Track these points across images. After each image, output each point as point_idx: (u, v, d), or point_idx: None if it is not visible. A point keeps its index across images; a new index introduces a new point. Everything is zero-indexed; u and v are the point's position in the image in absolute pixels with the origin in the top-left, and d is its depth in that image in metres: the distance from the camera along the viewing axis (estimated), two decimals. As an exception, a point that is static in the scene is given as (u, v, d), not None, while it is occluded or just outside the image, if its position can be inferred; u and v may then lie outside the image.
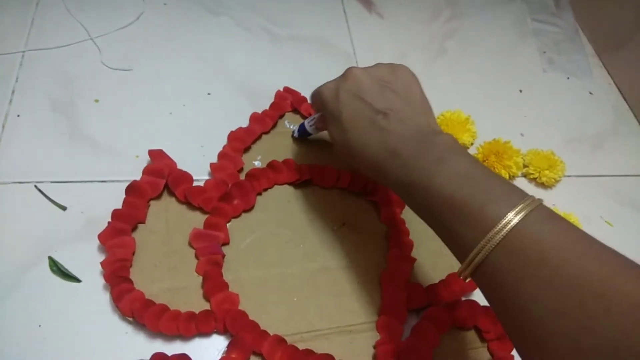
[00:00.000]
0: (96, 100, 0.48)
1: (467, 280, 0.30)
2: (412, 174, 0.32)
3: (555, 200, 0.50)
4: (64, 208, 0.42)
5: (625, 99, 0.62)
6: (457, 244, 0.30)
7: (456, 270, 0.42)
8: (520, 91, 0.59)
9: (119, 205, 0.40)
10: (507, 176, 0.50)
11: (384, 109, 0.35)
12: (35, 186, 0.42)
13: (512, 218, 0.26)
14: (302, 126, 0.46)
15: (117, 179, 0.44)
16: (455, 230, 0.29)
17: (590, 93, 0.61)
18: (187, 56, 0.54)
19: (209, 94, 0.51)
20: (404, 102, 0.35)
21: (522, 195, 0.28)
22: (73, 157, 0.45)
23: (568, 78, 0.62)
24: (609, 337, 0.22)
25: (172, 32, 0.55)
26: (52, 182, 0.43)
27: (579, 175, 0.53)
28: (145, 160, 0.44)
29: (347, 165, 0.41)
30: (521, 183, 0.51)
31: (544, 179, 0.50)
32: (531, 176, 0.51)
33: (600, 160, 0.55)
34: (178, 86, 0.51)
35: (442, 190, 0.30)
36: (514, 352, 0.39)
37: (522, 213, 0.26)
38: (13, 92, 0.47)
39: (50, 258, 0.39)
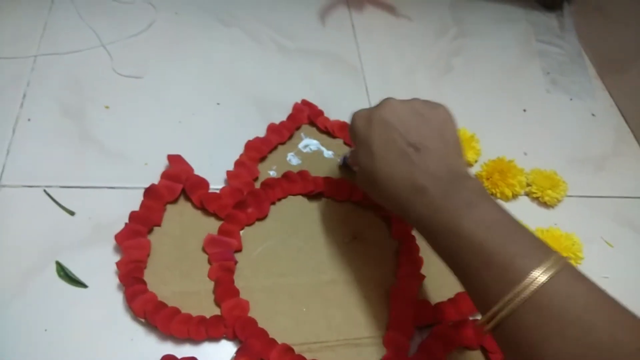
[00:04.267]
0: (106, 107, 0.49)
1: (486, 333, 0.29)
2: (436, 214, 0.31)
3: (556, 219, 0.51)
4: (72, 213, 0.42)
5: (626, 121, 0.63)
6: (481, 293, 0.30)
7: (462, 291, 0.43)
8: (524, 110, 0.61)
9: (127, 212, 0.41)
10: (510, 194, 0.51)
11: (417, 142, 0.34)
12: (45, 190, 0.43)
13: (542, 274, 0.26)
14: (345, 157, 0.47)
15: (125, 185, 0.44)
16: (481, 278, 0.29)
17: (593, 115, 0.63)
18: (197, 65, 0.55)
19: (218, 103, 0.52)
20: (438, 140, 0.34)
21: (550, 252, 0.28)
22: (82, 162, 0.45)
23: (571, 99, 0.63)
24: None
25: (183, 41, 0.56)
26: (61, 186, 0.43)
27: (580, 196, 0.54)
28: (153, 167, 0.45)
29: (368, 196, 0.41)
30: (524, 202, 0.52)
31: (546, 199, 0.51)
32: (534, 195, 0.52)
33: (601, 181, 0.56)
34: (188, 95, 0.52)
35: (472, 236, 0.29)
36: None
37: (552, 270, 0.26)
38: (24, 95, 0.48)
39: (57, 263, 0.39)
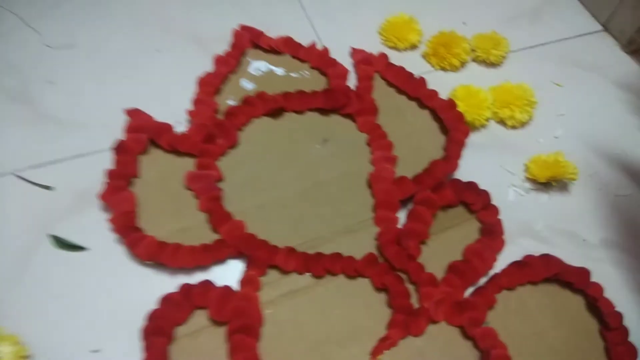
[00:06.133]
0: (50, 82, 0.48)
1: None
2: None
3: (506, 75, 0.53)
4: (49, 188, 0.42)
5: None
6: None
7: (435, 159, 0.45)
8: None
9: (101, 174, 0.42)
10: (458, 64, 0.53)
11: None
12: (16, 174, 0.43)
13: None
14: None
15: (91, 150, 0.45)
16: None
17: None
18: (127, 18, 0.54)
19: (158, 50, 0.52)
20: None
21: None
22: (44, 140, 0.45)
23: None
24: None
25: (106, -2, 0.55)
26: (30, 167, 0.44)
27: (523, 48, 0.56)
28: (114, 127, 0.45)
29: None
30: (472, 68, 0.54)
31: (492, 58, 0.54)
32: (479, 58, 0.54)
33: (540, 30, 0.58)
34: (125, 49, 0.51)
35: None
36: (501, 216, 0.44)
37: None
38: (-34, 91, 0.47)
39: (51, 236, 0.40)
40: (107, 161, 0.43)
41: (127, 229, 0.39)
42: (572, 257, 0.42)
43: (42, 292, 0.38)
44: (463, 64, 0.54)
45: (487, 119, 0.50)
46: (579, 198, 0.47)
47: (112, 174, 0.42)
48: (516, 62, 0.55)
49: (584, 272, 0.41)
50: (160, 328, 0.36)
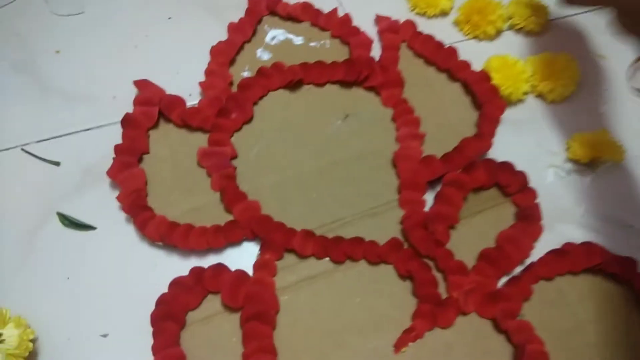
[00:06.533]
0: (57, 52, 0.46)
1: None
2: None
3: (546, 45, 0.49)
4: (57, 164, 0.41)
5: None
6: None
7: (466, 136, 0.42)
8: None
9: (111, 149, 0.40)
10: (493, 32, 0.48)
11: None
12: (22, 149, 0.41)
13: None
14: None
15: (100, 123, 0.43)
16: None
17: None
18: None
19: (169, 18, 0.49)
20: None
21: None
22: (50, 112, 0.43)
23: None
24: None
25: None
26: (37, 141, 0.42)
27: (565, 16, 0.52)
28: (123, 99, 0.43)
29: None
30: (508, 37, 0.50)
31: (530, 26, 0.49)
32: (517, 26, 0.49)
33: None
34: (135, 17, 0.49)
35: None
36: (538, 200, 0.40)
37: None
38: (-31, 62, 0.45)
39: (58, 214, 0.39)
40: (116, 136, 0.40)
41: (137, 207, 0.37)
42: (616, 245, 0.38)
43: (48, 273, 0.37)
44: (499, 32, 0.49)
45: (525, 93, 0.46)
46: (625, 180, 0.43)
47: (120, 150, 0.39)
48: (557, 31, 0.50)
49: (630, 262, 0.37)
50: (170, 313, 0.34)
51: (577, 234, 0.40)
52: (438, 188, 0.41)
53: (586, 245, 0.38)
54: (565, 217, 0.41)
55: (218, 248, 0.37)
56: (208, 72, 0.44)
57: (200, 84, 0.43)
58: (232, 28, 0.46)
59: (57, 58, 0.46)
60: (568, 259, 0.38)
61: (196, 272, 0.36)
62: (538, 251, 0.38)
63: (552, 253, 0.38)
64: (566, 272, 0.38)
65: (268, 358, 0.33)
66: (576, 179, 0.43)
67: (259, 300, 0.35)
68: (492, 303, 0.36)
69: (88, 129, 0.42)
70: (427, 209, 0.40)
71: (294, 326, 0.35)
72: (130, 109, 0.42)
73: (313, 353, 0.34)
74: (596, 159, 0.42)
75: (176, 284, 0.35)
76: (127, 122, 0.40)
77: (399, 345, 0.35)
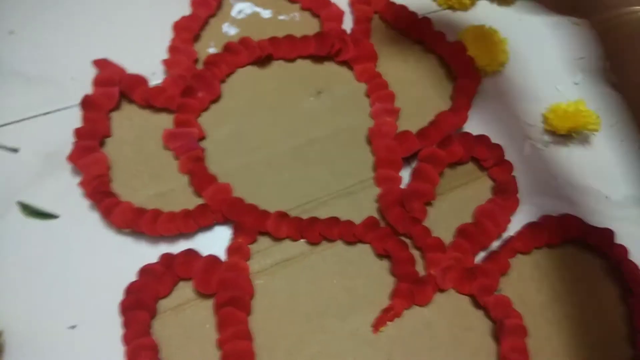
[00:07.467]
0: (11, 32, 0.43)
1: None
2: None
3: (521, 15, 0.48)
4: (15, 150, 0.38)
5: None
6: None
7: (442, 110, 0.41)
8: None
9: (72, 133, 0.37)
10: (468, 1, 0.47)
11: None
12: (-24, 136, 0.38)
13: None
14: None
15: (60, 106, 0.40)
16: None
17: None
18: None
19: None
20: None
21: None
22: (6, 96, 0.40)
23: None
24: None
25: None
26: (-7, 127, 0.39)
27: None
28: (82, 80, 0.40)
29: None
30: (484, 5, 0.48)
31: None
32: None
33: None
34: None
35: None
36: (515, 173, 0.40)
37: None
38: None
39: (19, 203, 0.36)
40: (76, 119, 0.38)
41: (100, 194, 0.35)
42: (593, 216, 0.38)
43: (11, 264, 0.35)
44: (473, 2, 0.48)
45: (502, 65, 0.45)
46: (601, 151, 0.43)
47: (80, 133, 0.37)
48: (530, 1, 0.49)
49: (607, 233, 0.37)
50: (140, 302, 0.33)
51: (555, 206, 0.39)
52: (414, 164, 0.40)
53: (564, 217, 0.38)
54: (542, 190, 0.40)
55: (188, 233, 0.36)
56: (171, 49, 0.41)
57: (164, 61, 0.41)
58: (196, 2, 0.44)
59: (11, 39, 0.43)
60: (545, 232, 0.37)
61: (166, 258, 0.34)
62: (515, 225, 0.38)
63: (529, 226, 0.38)
64: (544, 245, 0.38)
65: (244, 344, 0.32)
66: (553, 151, 0.42)
67: (233, 285, 0.34)
68: (470, 279, 0.35)
69: (47, 113, 0.40)
70: (403, 186, 0.39)
71: (270, 311, 0.34)
72: (89, 90, 0.39)
73: (290, 337, 0.34)
74: (573, 129, 0.41)
75: (145, 271, 0.34)
76: (86, 104, 0.38)
77: (377, 325, 0.34)
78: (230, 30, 0.44)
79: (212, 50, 0.43)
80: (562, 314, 0.36)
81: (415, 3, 0.46)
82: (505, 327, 0.34)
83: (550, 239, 0.37)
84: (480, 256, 0.37)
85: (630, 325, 0.35)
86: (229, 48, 0.42)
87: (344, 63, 0.43)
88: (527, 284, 0.36)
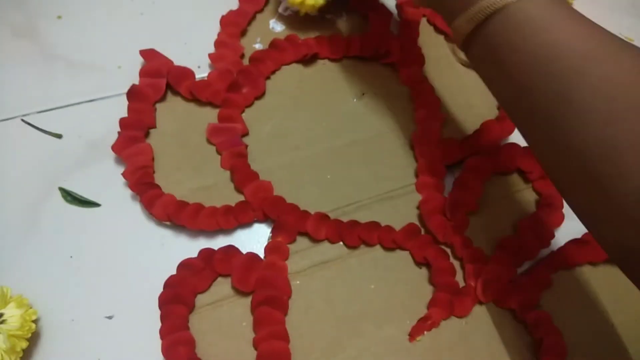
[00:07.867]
0: (59, 17, 0.43)
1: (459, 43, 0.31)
2: None
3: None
4: (59, 136, 0.38)
5: None
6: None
7: (488, 119, 0.40)
8: None
9: (116, 122, 0.38)
10: None
11: None
12: (22, 120, 0.39)
13: None
14: None
15: (105, 95, 0.40)
16: None
17: None
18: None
19: None
20: None
21: None
22: (52, 81, 0.41)
23: None
24: (578, 99, 0.25)
25: None
26: (38, 112, 0.39)
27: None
28: (129, 69, 0.40)
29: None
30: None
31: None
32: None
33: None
34: (141, -17, 0.45)
35: None
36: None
37: None
38: (-36, 26, 0.42)
39: (61, 189, 0.37)
40: (121, 108, 0.38)
41: (144, 185, 0.36)
42: None
43: (51, 251, 0.35)
44: None
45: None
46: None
47: (126, 124, 0.37)
48: (584, 8, 0.48)
49: (653, 255, 0.36)
50: (178, 296, 0.33)
51: (599, 224, 0.38)
52: (457, 172, 0.39)
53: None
54: (587, 206, 0.39)
55: (228, 229, 0.36)
56: (218, 43, 0.41)
57: (210, 55, 0.41)
58: (244, -4, 0.43)
59: (58, 24, 0.43)
60: (589, 249, 0.36)
61: (206, 254, 0.34)
62: (559, 240, 0.37)
63: (573, 242, 0.37)
64: (586, 262, 0.37)
65: (280, 344, 0.32)
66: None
67: (271, 284, 0.34)
68: (510, 293, 0.35)
69: (92, 100, 0.40)
70: (446, 194, 0.38)
71: (307, 312, 0.34)
72: (136, 79, 0.39)
73: (326, 340, 0.33)
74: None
75: (185, 265, 0.34)
76: (133, 94, 0.38)
77: (414, 334, 0.34)
78: (277, 27, 0.44)
79: (258, 45, 0.42)
80: (604, 334, 0.35)
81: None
82: (545, 345, 0.33)
83: (594, 257, 0.37)
84: (522, 270, 0.36)
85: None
86: (275, 45, 0.41)
87: (389, 65, 0.43)
88: (568, 301, 0.36)
